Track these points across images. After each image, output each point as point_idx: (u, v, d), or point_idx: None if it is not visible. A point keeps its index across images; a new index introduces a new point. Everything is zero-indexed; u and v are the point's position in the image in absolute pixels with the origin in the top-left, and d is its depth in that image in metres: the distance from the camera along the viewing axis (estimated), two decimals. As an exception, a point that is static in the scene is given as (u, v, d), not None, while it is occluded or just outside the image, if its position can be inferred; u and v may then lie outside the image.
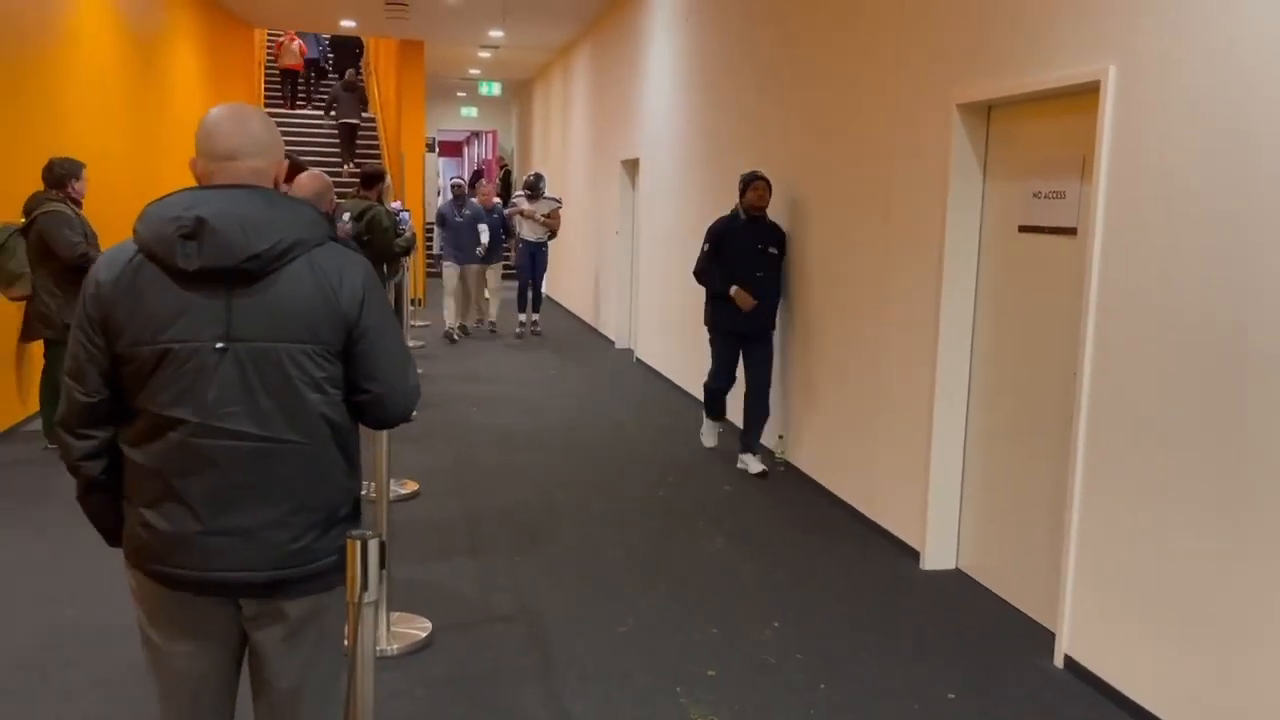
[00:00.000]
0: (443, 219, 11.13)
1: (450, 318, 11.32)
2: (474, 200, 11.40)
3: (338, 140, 16.44)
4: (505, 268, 12.54)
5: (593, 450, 6.60)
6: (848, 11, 5.34)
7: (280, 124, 16.29)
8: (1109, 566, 3.39)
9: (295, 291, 1.81)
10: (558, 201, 11.72)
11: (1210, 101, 2.96)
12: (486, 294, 11.96)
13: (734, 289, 5.81)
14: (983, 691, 3.42)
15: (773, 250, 5.93)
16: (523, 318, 11.96)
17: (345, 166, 15.88)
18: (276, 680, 1.95)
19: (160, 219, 1.79)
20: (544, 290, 12.36)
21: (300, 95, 17.89)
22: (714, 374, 6.21)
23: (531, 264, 11.77)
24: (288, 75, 17.45)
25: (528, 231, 11.56)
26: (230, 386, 1.79)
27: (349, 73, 16.66)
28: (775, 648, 3.71)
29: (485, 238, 11.16)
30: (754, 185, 5.90)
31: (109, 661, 3.47)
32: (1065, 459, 3.72)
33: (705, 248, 5.98)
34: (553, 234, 11.62)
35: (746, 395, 6.04)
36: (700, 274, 6.02)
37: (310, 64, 18.31)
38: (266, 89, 17.26)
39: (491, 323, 12.14)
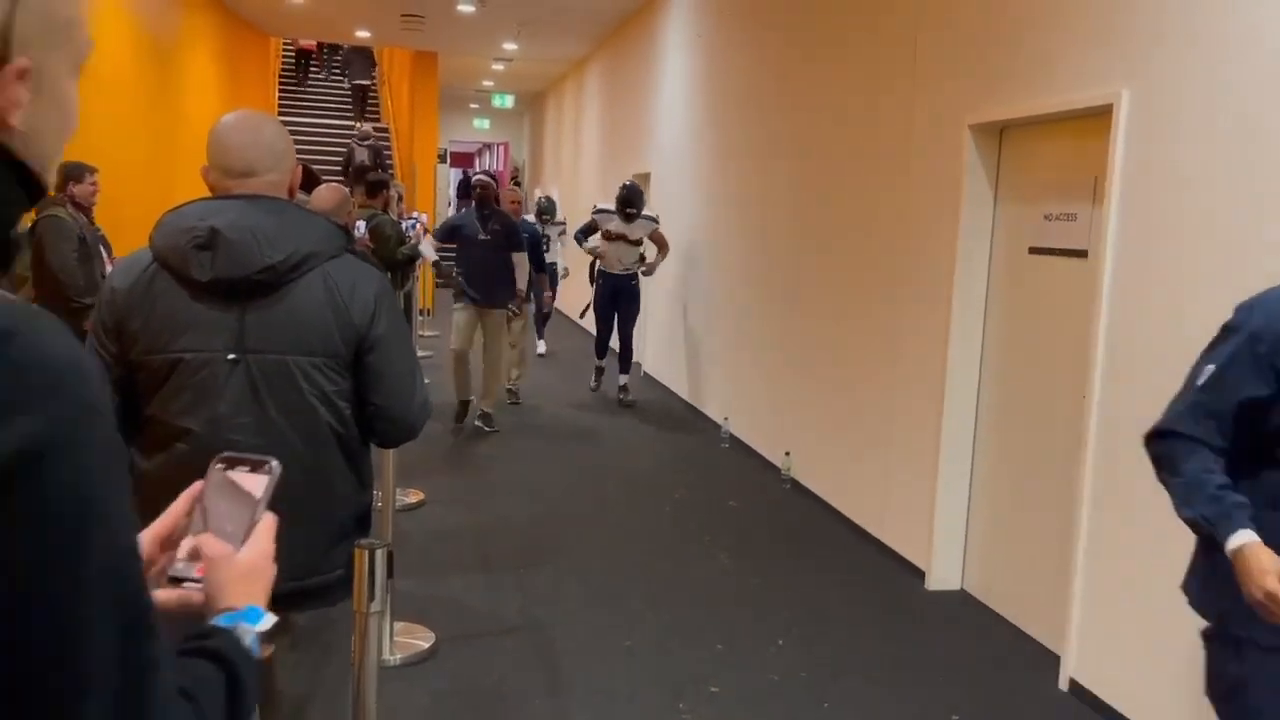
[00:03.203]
0: (453, 234, 7.34)
1: (461, 388, 7.30)
2: (533, 218, 8.52)
3: (350, 100, 17.03)
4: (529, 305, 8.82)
5: (597, 463, 6.60)
6: (861, 33, 5.36)
7: (297, 100, 16.67)
8: (1115, 590, 3.38)
9: (308, 304, 1.82)
10: (655, 221, 8.32)
11: (1221, 126, 2.96)
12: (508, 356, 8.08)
13: (1245, 542, 1.83)
14: (986, 713, 3.40)
15: None
16: (600, 364, 8.86)
17: (358, 125, 16.32)
18: (283, 690, 1.96)
19: (175, 229, 1.80)
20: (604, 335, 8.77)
21: (315, 71, 18.25)
22: None
23: (613, 304, 8.41)
24: (302, 55, 17.80)
25: (611, 261, 8.33)
26: (240, 398, 1.80)
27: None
28: (779, 666, 3.70)
29: (524, 274, 7.38)
30: None
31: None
32: (1073, 481, 3.71)
33: (1211, 369, 2.05)
34: (645, 264, 8.42)
35: None
36: (1162, 459, 2.13)
37: None
38: (282, 68, 17.51)
39: (512, 391, 8.36)
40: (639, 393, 8.82)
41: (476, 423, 7.29)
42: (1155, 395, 3.21)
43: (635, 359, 8.87)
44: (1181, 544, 3.10)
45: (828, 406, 5.73)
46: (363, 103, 16.88)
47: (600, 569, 4.64)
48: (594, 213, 8.48)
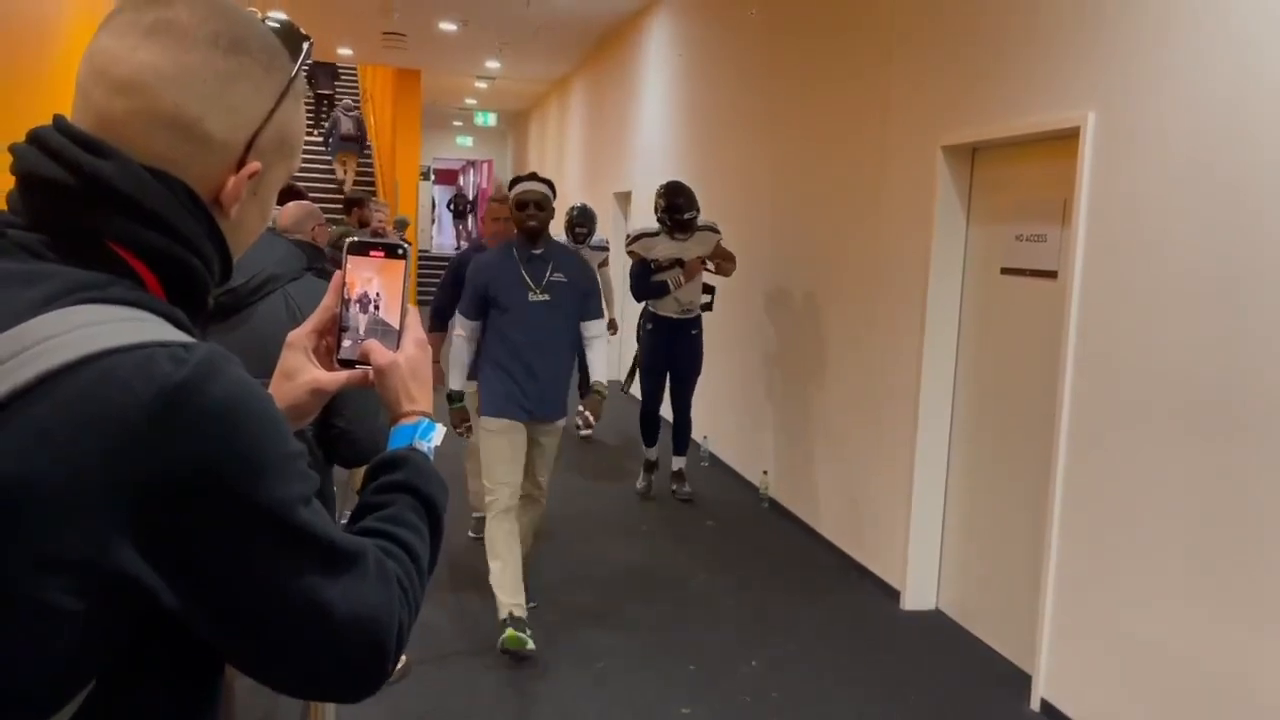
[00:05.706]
0: (483, 299, 3.94)
1: (510, 588, 3.84)
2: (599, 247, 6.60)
3: (313, 111, 17.13)
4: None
5: (573, 483, 6.58)
6: (838, 55, 5.40)
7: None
8: (1086, 610, 3.39)
9: (271, 326, 1.82)
10: (717, 231, 5.98)
11: (1186, 148, 3.00)
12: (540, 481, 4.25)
13: None
14: (958, 734, 3.41)
15: None
16: (651, 455, 6.24)
17: (342, 99, 16.51)
18: (244, 714, 1.94)
19: None
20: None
21: None
22: None
23: (669, 358, 6.06)
24: None
25: (665, 300, 5.95)
26: None
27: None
28: (752, 686, 3.70)
29: (604, 355, 4.23)
30: None
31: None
32: (1044, 501, 3.73)
33: None
34: (705, 288, 6.14)
35: None
36: None
37: None
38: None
39: None
40: (620, 408, 8.18)
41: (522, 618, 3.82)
42: (1123, 416, 3.24)
43: (615, 376, 7.93)
44: (1150, 565, 3.11)
45: (805, 426, 5.74)
46: (329, 109, 17.12)
47: (573, 588, 4.62)
48: (630, 245, 5.98)
